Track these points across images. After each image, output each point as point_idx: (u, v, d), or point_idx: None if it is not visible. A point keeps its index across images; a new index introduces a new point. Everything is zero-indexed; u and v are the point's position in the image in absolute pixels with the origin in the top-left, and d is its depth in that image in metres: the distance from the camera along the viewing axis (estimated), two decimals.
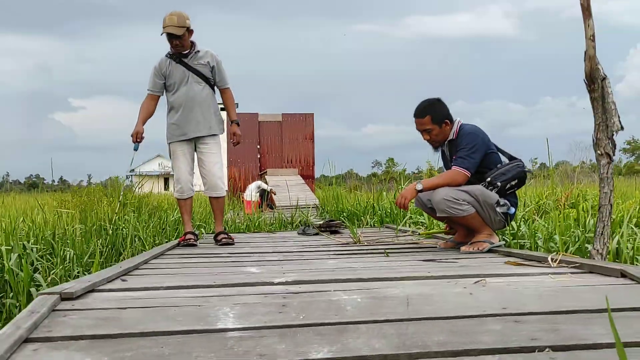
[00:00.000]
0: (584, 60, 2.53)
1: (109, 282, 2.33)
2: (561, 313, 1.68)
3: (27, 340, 1.39)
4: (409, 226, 5.56)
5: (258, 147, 17.86)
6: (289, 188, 12.51)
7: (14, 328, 1.52)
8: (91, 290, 2.10)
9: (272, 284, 2.23)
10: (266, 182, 13.04)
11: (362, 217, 6.83)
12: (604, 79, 2.51)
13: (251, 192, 11.29)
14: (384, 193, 7.51)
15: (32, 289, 3.19)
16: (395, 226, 5.39)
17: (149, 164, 49.99)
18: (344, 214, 7.14)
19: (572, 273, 2.33)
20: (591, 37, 2.49)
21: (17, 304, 3.27)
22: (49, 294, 1.88)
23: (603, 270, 2.28)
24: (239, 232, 6.21)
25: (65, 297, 1.90)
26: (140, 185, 6.89)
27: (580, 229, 3.84)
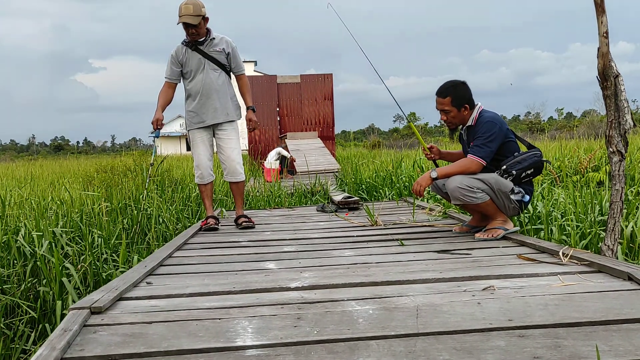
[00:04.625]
0: (597, 57, 2.50)
1: (135, 286, 2.46)
2: (565, 326, 1.75)
3: None
4: (427, 201, 5.59)
5: (277, 109, 17.82)
6: (309, 153, 12.57)
7: (49, 349, 1.66)
8: (119, 298, 2.22)
9: (289, 289, 2.33)
10: (286, 147, 13.05)
11: (380, 190, 6.87)
12: (616, 76, 2.48)
13: (270, 160, 11.35)
14: (402, 164, 7.53)
15: (64, 279, 3.33)
16: (413, 200, 5.44)
17: (171, 125, 50.13)
18: (363, 186, 7.19)
19: (580, 273, 2.38)
20: (604, 34, 2.46)
21: (50, 292, 3.44)
22: (79, 308, 2.01)
23: (611, 271, 2.33)
24: (258, 209, 6.32)
25: (94, 311, 2.02)
26: (159, 165, 6.92)
27: (597, 209, 3.85)
